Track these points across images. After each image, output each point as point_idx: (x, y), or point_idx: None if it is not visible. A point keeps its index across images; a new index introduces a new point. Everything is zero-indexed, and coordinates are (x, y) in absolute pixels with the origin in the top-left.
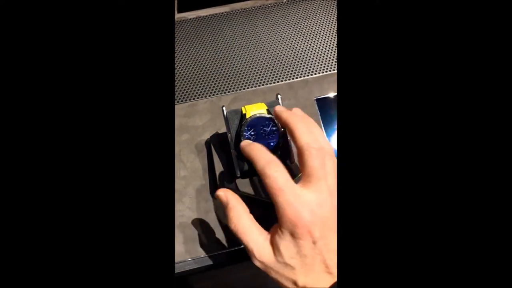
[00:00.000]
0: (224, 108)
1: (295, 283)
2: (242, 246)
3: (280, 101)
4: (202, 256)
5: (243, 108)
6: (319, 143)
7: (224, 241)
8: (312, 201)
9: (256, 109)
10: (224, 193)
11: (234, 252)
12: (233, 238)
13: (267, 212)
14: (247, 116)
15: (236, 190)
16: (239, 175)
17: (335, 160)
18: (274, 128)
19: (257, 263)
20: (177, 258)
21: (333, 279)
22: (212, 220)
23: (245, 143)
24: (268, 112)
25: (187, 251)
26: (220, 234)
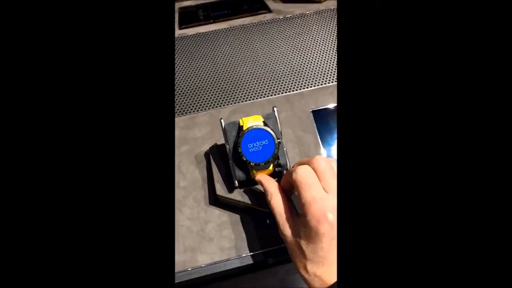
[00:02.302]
0: (222, 120)
1: (305, 268)
2: (244, 255)
3: (276, 113)
4: (202, 265)
5: (240, 120)
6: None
7: (224, 251)
8: (335, 201)
9: (253, 121)
10: (259, 178)
11: (235, 261)
12: (233, 247)
13: (264, 221)
14: (244, 128)
15: (235, 199)
16: (237, 185)
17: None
18: (270, 139)
19: (281, 235)
20: (177, 268)
21: None
22: (212, 230)
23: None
24: (264, 123)
25: (186, 261)
26: (220, 244)
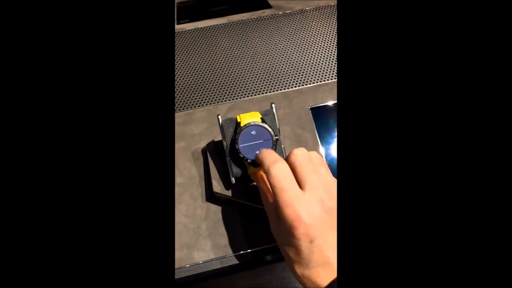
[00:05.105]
0: (219, 116)
1: (293, 268)
2: (241, 252)
3: (274, 110)
4: (199, 263)
5: (238, 117)
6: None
7: (220, 248)
8: (311, 201)
9: (250, 118)
10: (256, 177)
11: (231, 258)
12: (229, 244)
13: (261, 218)
14: (242, 125)
15: (232, 196)
16: (234, 182)
17: (324, 161)
18: (267, 136)
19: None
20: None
21: (334, 273)
22: (208, 227)
23: (261, 151)
24: (262, 120)
25: (183, 258)
26: (216, 241)
